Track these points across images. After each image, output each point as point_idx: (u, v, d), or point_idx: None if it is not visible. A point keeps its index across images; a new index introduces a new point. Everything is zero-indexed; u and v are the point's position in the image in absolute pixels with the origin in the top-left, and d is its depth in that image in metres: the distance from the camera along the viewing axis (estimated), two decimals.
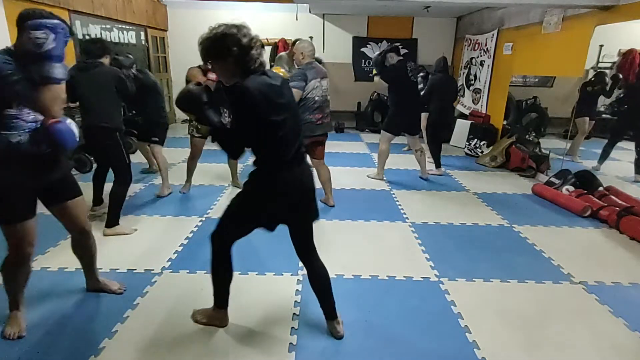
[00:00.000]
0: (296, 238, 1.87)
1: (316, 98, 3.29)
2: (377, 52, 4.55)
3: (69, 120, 1.74)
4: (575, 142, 4.90)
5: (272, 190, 1.68)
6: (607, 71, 4.62)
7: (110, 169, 3.06)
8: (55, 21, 1.55)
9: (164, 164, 3.87)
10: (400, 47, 4.47)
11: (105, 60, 2.89)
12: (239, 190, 1.83)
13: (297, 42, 3.47)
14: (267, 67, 1.70)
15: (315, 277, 1.91)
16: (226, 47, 1.54)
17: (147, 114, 3.79)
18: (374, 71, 4.41)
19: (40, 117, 1.66)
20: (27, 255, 1.80)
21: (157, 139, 3.83)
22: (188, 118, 4.07)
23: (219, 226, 1.82)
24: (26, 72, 1.55)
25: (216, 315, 2.00)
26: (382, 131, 4.57)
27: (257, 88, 1.54)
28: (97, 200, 3.37)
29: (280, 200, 1.72)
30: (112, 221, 2.98)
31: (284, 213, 1.78)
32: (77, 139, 1.76)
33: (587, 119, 4.81)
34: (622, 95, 4.70)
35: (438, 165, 4.89)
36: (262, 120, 1.56)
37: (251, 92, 1.52)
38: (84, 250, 2.11)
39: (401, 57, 4.35)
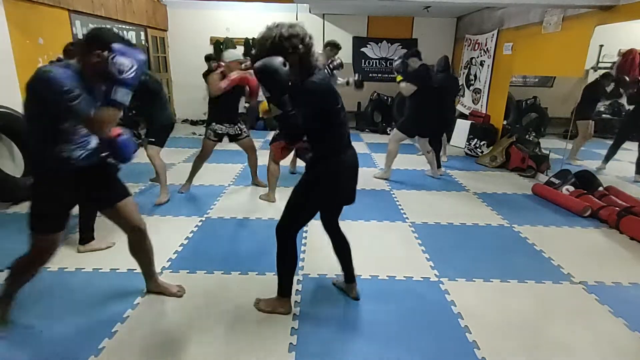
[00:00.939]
0: (331, 215, 2.13)
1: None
2: (397, 58, 4.51)
3: (128, 133, 1.86)
4: (575, 144, 4.89)
5: (337, 173, 1.90)
6: (613, 72, 4.61)
7: None
8: (141, 56, 1.64)
9: (162, 168, 3.66)
10: (419, 51, 4.48)
11: None
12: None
13: None
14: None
15: (340, 245, 2.18)
16: (294, 45, 1.69)
17: (150, 114, 3.59)
18: (399, 77, 4.37)
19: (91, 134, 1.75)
20: (46, 262, 1.88)
21: (153, 140, 3.57)
22: (206, 121, 3.96)
23: (285, 218, 1.99)
24: (88, 90, 1.61)
25: (280, 304, 2.11)
26: (395, 130, 4.57)
27: (324, 83, 1.78)
28: None
29: (342, 181, 1.94)
30: (85, 237, 2.73)
31: (342, 194, 1.99)
32: (135, 149, 1.91)
33: (591, 122, 4.81)
34: (626, 95, 4.71)
35: (439, 165, 4.90)
36: (331, 110, 1.81)
37: (321, 86, 1.76)
38: (142, 250, 2.12)
39: (422, 62, 4.35)
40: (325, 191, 1.93)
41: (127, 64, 1.56)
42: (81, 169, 1.76)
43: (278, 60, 1.62)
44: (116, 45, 1.58)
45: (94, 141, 1.80)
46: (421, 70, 4.26)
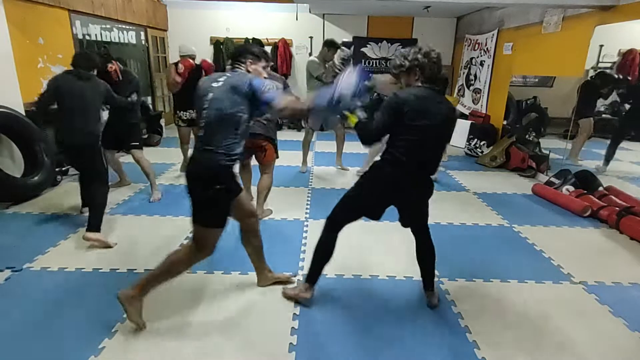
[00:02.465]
0: (408, 217, 2.23)
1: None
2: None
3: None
4: (576, 143, 4.88)
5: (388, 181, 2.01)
6: (612, 72, 4.60)
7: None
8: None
9: (149, 168, 3.69)
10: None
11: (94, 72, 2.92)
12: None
13: None
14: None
15: (422, 251, 2.24)
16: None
17: (126, 119, 3.53)
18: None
19: None
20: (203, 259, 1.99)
21: (136, 144, 3.61)
22: (174, 110, 4.09)
23: (335, 211, 2.10)
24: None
25: (305, 288, 2.19)
26: None
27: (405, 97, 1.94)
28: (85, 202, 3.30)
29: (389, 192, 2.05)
30: (96, 225, 2.78)
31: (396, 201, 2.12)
32: None
33: (592, 119, 4.80)
34: (622, 94, 4.70)
35: None
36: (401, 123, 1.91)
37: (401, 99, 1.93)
38: (256, 237, 2.24)
39: None
40: (376, 198, 2.05)
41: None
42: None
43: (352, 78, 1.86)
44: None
45: None
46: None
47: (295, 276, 2.48)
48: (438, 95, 1.96)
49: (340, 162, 4.98)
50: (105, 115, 3.46)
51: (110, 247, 2.77)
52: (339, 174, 4.74)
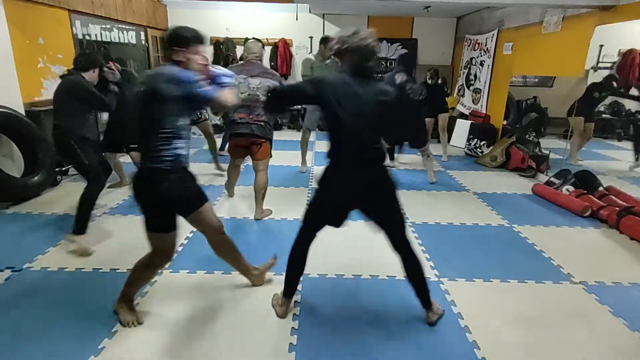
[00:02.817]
0: (387, 231, 2.02)
1: (240, 94, 3.17)
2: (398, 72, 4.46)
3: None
4: (572, 144, 4.88)
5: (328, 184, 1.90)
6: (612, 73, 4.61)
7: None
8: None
9: None
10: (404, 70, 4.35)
11: (90, 74, 2.86)
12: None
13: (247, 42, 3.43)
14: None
15: (407, 266, 2.02)
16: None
17: (126, 120, 3.47)
18: None
19: None
20: (165, 264, 2.04)
21: (135, 145, 3.47)
22: None
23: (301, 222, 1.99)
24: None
25: (280, 302, 2.11)
26: None
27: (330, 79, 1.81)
28: None
29: (333, 197, 1.92)
30: (78, 228, 2.71)
31: (330, 211, 1.97)
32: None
33: (583, 119, 4.80)
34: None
35: (392, 157, 5.12)
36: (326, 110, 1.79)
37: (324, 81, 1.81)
38: (225, 249, 2.17)
39: (409, 77, 4.26)
40: (317, 205, 1.95)
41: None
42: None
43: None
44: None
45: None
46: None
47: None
48: (364, 80, 1.80)
49: None
50: (105, 116, 3.45)
51: (88, 254, 2.67)
52: None
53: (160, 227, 1.87)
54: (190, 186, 1.89)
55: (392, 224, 1.97)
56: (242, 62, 3.48)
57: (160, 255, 1.94)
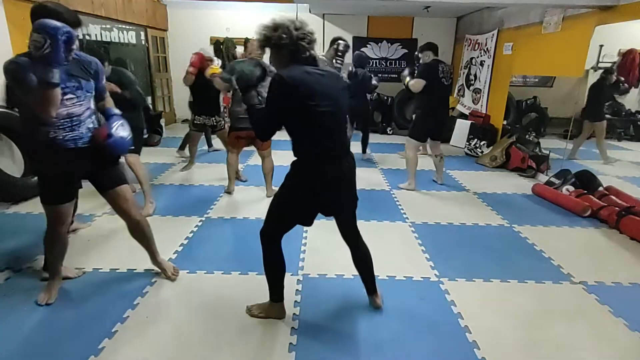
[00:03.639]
0: (341, 223, 2.01)
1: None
2: (406, 68, 4.44)
3: (115, 127, 1.94)
4: (601, 146, 4.89)
5: (313, 186, 1.77)
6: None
7: None
8: (57, 24, 1.54)
9: (144, 177, 3.43)
10: (436, 46, 4.22)
11: None
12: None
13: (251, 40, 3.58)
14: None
15: (357, 257, 2.10)
16: (279, 37, 1.67)
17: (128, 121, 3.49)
18: (407, 80, 4.16)
19: (77, 118, 1.88)
20: (60, 232, 2.07)
21: (132, 147, 3.49)
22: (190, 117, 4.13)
23: (267, 223, 1.93)
24: (35, 73, 1.65)
25: (273, 309, 2.06)
26: (407, 138, 4.32)
27: (294, 77, 1.63)
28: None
29: (321, 195, 1.80)
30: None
31: (324, 205, 1.87)
32: (129, 140, 2.02)
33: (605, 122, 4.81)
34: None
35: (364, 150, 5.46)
36: (302, 109, 1.65)
37: (285, 80, 1.61)
38: (139, 235, 2.29)
39: (437, 57, 4.12)
40: (300, 203, 1.83)
41: (39, 40, 1.50)
42: (72, 150, 1.88)
43: (249, 67, 1.75)
44: (35, 22, 1.53)
45: (84, 126, 1.91)
46: (428, 65, 4.03)
47: (295, 276, 2.49)
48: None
49: None
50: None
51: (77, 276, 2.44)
52: None
53: (50, 199, 2.02)
54: None
55: (350, 213, 1.99)
56: (245, 58, 3.74)
57: (50, 225, 2.06)
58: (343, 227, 2.03)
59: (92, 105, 1.99)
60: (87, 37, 5.00)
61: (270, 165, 3.86)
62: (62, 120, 1.82)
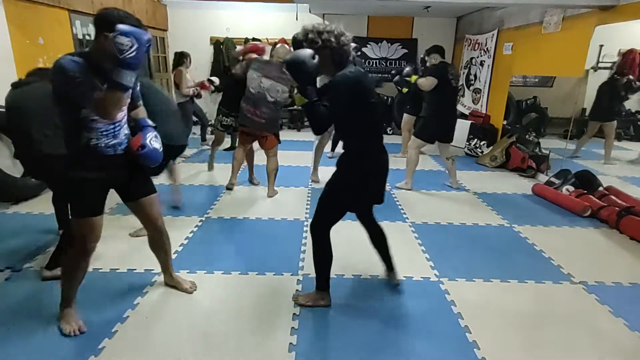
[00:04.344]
0: (366, 210, 2.25)
1: (251, 89, 3.55)
2: (406, 68, 4.46)
3: (149, 138, 1.88)
4: (606, 146, 4.87)
5: (366, 175, 1.98)
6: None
7: None
8: (144, 31, 1.58)
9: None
10: (443, 48, 4.27)
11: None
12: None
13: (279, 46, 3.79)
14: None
15: (376, 238, 2.32)
16: (325, 40, 1.82)
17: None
18: (413, 77, 4.16)
19: (119, 124, 1.81)
20: (90, 250, 1.90)
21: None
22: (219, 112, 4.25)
23: (318, 215, 2.05)
24: (95, 75, 1.63)
25: (321, 296, 2.17)
26: (412, 137, 4.29)
27: (355, 75, 1.83)
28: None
29: (371, 184, 2.02)
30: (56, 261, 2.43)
31: (370, 197, 2.09)
32: (161, 153, 1.95)
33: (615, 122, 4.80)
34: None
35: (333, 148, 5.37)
36: (362, 104, 1.86)
37: (351, 79, 1.81)
38: (159, 247, 2.22)
39: (444, 60, 4.18)
40: (354, 193, 2.00)
41: (127, 43, 1.51)
42: (111, 157, 1.81)
43: (306, 52, 1.75)
44: (119, 26, 1.52)
45: (122, 131, 1.84)
46: (438, 68, 4.06)
47: (295, 276, 2.49)
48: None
49: None
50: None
51: None
52: None
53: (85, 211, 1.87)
54: None
55: (380, 200, 2.16)
56: (267, 60, 3.78)
57: (79, 244, 1.90)
58: (366, 212, 2.25)
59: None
60: (87, 37, 5.00)
61: (274, 165, 3.84)
62: (107, 126, 1.76)
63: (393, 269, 2.38)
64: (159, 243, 2.21)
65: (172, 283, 2.33)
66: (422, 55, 4.46)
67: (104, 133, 1.77)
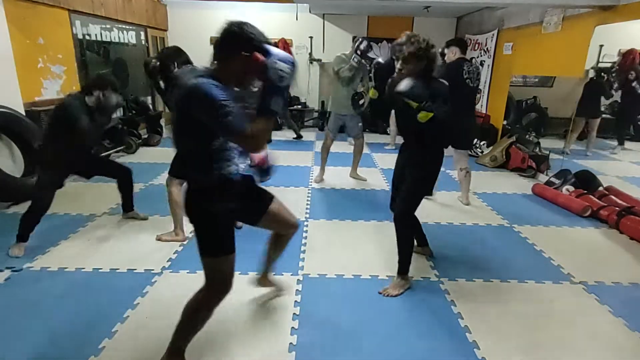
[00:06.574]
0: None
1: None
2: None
3: (268, 152, 1.82)
4: (587, 141, 4.98)
5: (439, 163, 2.36)
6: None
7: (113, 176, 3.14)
8: (293, 60, 1.42)
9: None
10: (465, 42, 3.81)
11: (90, 98, 2.70)
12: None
13: None
14: None
15: None
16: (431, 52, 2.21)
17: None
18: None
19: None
20: (229, 290, 1.68)
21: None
22: None
23: (409, 205, 2.33)
24: (237, 101, 1.41)
25: (407, 281, 2.39)
26: None
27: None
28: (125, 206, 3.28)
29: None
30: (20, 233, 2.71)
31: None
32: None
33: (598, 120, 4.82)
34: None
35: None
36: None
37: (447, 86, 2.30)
38: (282, 243, 2.04)
39: (464, 55, 3.68)
40: (432, 182, 2.41)
41: (288, 71, 1.37)
42: (240, 186, 1.64)
43: (410, 81, 2.12)
44: (274, 50, 1.38)
45: (245, 155, 1.66)
46: (453, 66, 3.61)
47: (295, 276, 2.48)
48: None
49: (356, 173, 4.58)
50: None
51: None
52: (339, 174, 4.73)
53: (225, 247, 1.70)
54: None
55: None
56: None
57: (214, 285, 1.70)
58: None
59: None
60: (87, 37, 5.00)
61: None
62: (236, 154, 1.58)
63: (427, 244, 2.77)
64: (285, 240, 2.02)
65: (267, 285, 2.20)
66: (440, 49, 3.50)
67: (235, 156, 1.57)
